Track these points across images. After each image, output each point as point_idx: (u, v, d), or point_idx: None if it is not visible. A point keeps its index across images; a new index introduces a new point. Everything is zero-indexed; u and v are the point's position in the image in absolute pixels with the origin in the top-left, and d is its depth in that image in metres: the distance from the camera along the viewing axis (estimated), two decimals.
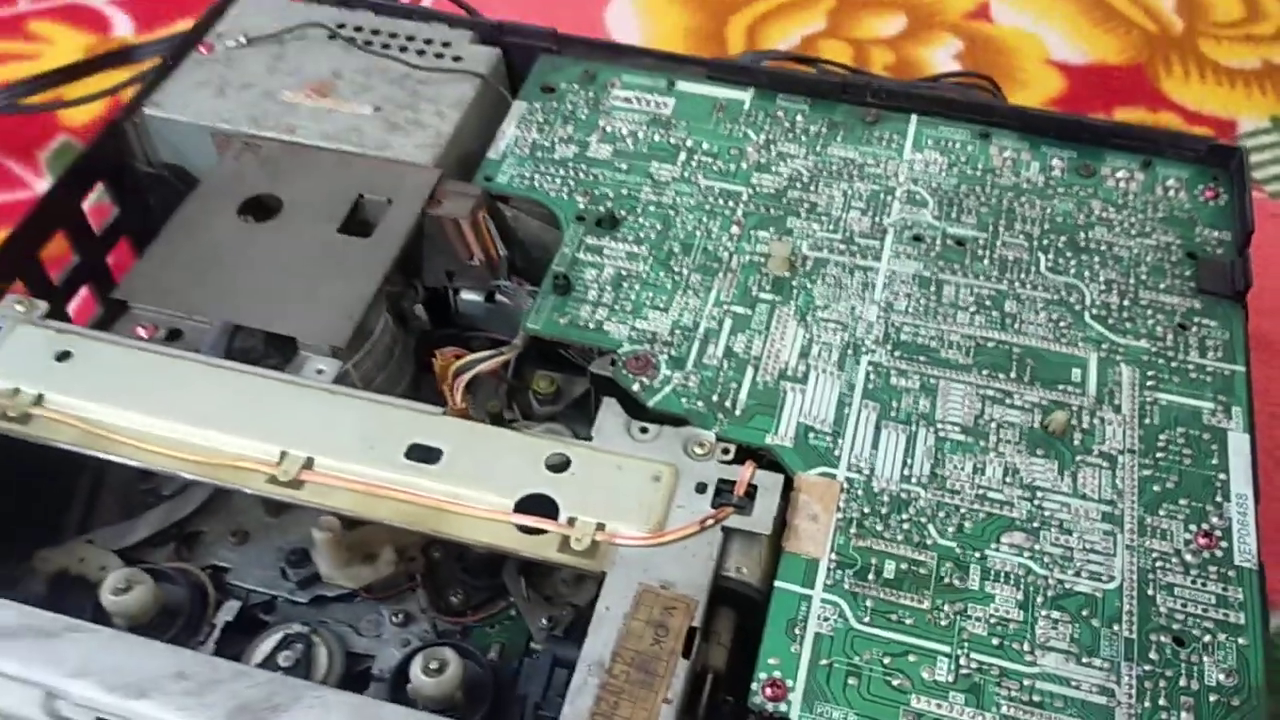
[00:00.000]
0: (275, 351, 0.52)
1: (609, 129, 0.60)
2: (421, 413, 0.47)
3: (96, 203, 0.60)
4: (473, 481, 0.44)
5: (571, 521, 0.43)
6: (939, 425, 0.48)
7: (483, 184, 0.57)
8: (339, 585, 0.49)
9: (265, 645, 0.48)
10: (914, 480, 0.46)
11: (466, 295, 0.58)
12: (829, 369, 0.50)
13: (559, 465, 0.45)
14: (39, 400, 0.46)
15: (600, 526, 0.43)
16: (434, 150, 0.58)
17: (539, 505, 0.44)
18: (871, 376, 0.49)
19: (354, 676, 0.47)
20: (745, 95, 0.62)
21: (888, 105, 0.61)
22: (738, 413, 0.48)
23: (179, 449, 0.45)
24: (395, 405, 0.47)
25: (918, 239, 0.55)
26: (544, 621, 0.49)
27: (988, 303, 0.52)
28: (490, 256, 0.57)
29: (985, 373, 0.50)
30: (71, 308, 0.59)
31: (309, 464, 0.45)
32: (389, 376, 0.54)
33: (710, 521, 0.44)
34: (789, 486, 0.46)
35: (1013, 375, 0.50)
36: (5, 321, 0.49)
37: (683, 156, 0.59)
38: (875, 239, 0.55)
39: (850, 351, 0.50)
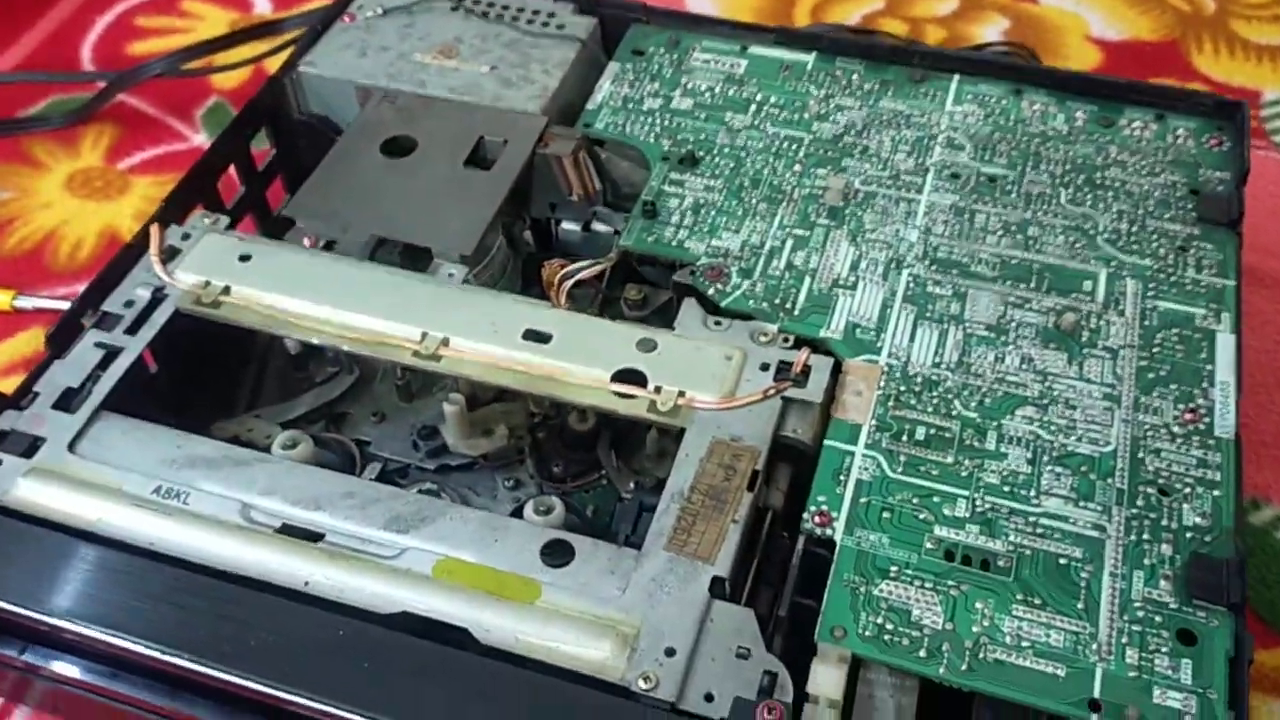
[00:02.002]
0: (409, 264, 0.61)
1: (690, 85, 0.69)
2: (535, 305, 0.56)
3: (257, 147, 0.70)
4: (577, 357, 0.53)
5: (658, 389, 0.52)
6: (967, 324, 0.56)
7: (582, 130, 0.66)
8: (462, 454, 0.59)
9: None
10: (944, 366, 0.54)
11: (566, 225, 0.67)
12: (875, 279, 0.58)
13: (648, 346, 0.54)
14: (226, 290, 0.56)
15: (681, 393, 0.52)
16: (541, 101, 0.67)
17: (631, 376, 0.53)
18: (911, 285, 0.57)
19: None
20: (808, 58, 0.71)
21: (933, 67, 0.69)
22: (796, 312, 0.56)
23: (341, 329, 0.55)
24: (513, 300, 0.56)
25: (955, 176, 0.63)
26: (630, 487, 0.57)
27: (1013, 228, 0.60)
28: (587, 190, 0.66)
29: (1009, 283, 0.57)
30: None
31: (445, 342, 0.54)
32: (502, 289, 0.64)
33: (772, 391, 0.52)
34: (838, 370, 0.54)
35: (1032, 285, 0.57)
36: (195, 231, 0.59)
37: (753, 108, 0.67)
38: (918, 176, 0.63)
39: (894, 266, 0.58)
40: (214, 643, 0.43)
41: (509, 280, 0.64)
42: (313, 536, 0.47)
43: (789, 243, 0.60)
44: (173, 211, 0.61)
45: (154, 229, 0.59)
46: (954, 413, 0.52)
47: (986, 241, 0.60)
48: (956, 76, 0.69)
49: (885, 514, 0.48)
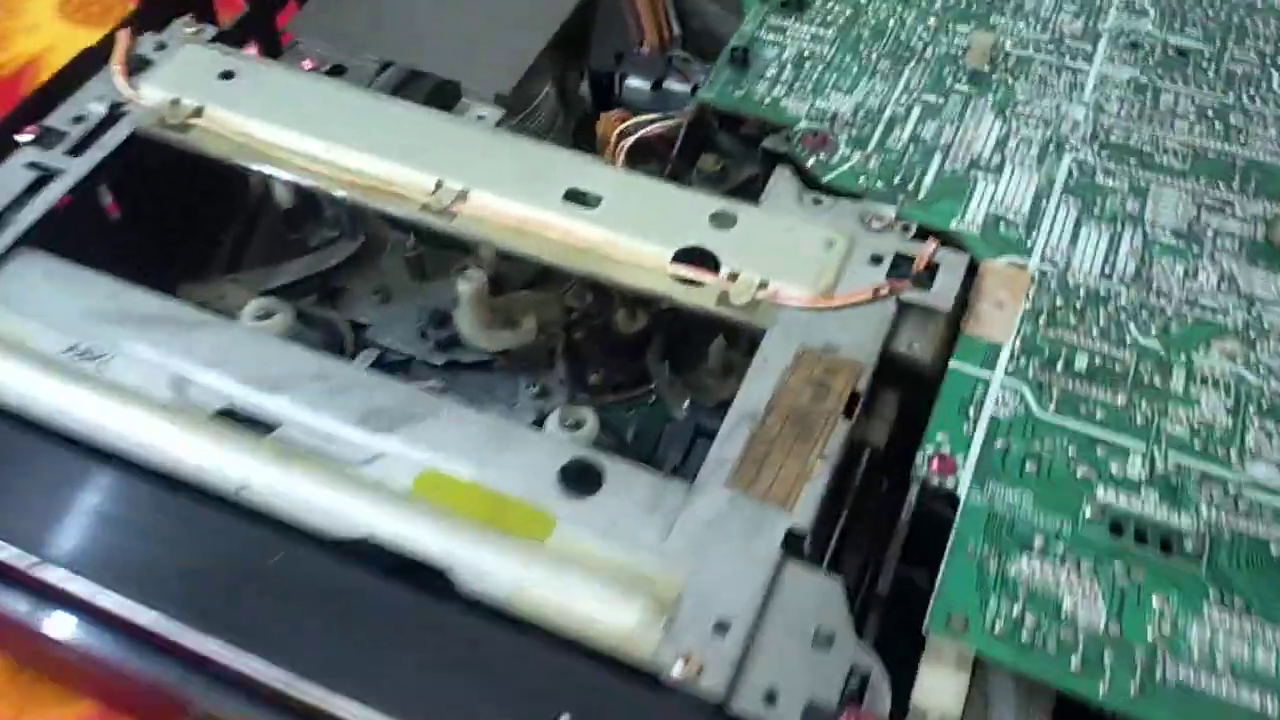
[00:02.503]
0: (441, 106, 0.49)
1: None
2: (584, 160, 0.43)
3: None
4: (631, 228, 0.41)
5: (733, 277, 0.39)
6: (1148, 226, 0.42)
7: None
8: (478, 349, 0.47)
9: None
10: (1115, 278, 0.40)
11: (633, 81, 0.54)
12: (1027, 162, 0.44)
13: (725, 220, 0.41)
14: (199, 112, 0.44)
15: (764, 284, 0.39)
16: None
17: (699, 257, 0.40)
18: (1074, 173, 0.44)
19: None
20: None
21: None
22: (921, 196, 0.43)
23: (333, 169, 0.43)
24: (556, 150, 0.43)
25: (1134, 46, 0.49)
26: (685, 406, 0.45)
27: (1210, 114, 0.46)
28: (662, 37, 0.52)
29: (1203, 181, 0.43)
30: None
31: (463, 196, 0.42)
32: None
33: (885, 291, 0.39)
34: (974, 272, 0.40)
35: (1235, 186, 0.43)
36: (173, 41, 0.47)
37: None
38: (1087, 42, 0.49)
39: (1052, 148, 0.45)
40: (105, 556, 0.31)
41: (556, 142, 0.51)
42: (262, 426, 0.35)
43: (916, 110, 0.46)
44: (153, 16, 0.49)
45: (122, 33, 0.47)
46: (1128, 339, 0.39)
47: (1175, 127, 0.45)
48: None
49: (1029, 465, 0.35)
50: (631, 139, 0.46)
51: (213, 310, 0.47)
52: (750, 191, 0.48)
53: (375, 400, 0.36)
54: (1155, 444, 0.36)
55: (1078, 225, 0.42)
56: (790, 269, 0.39)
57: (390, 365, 0.47)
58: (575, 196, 0.41)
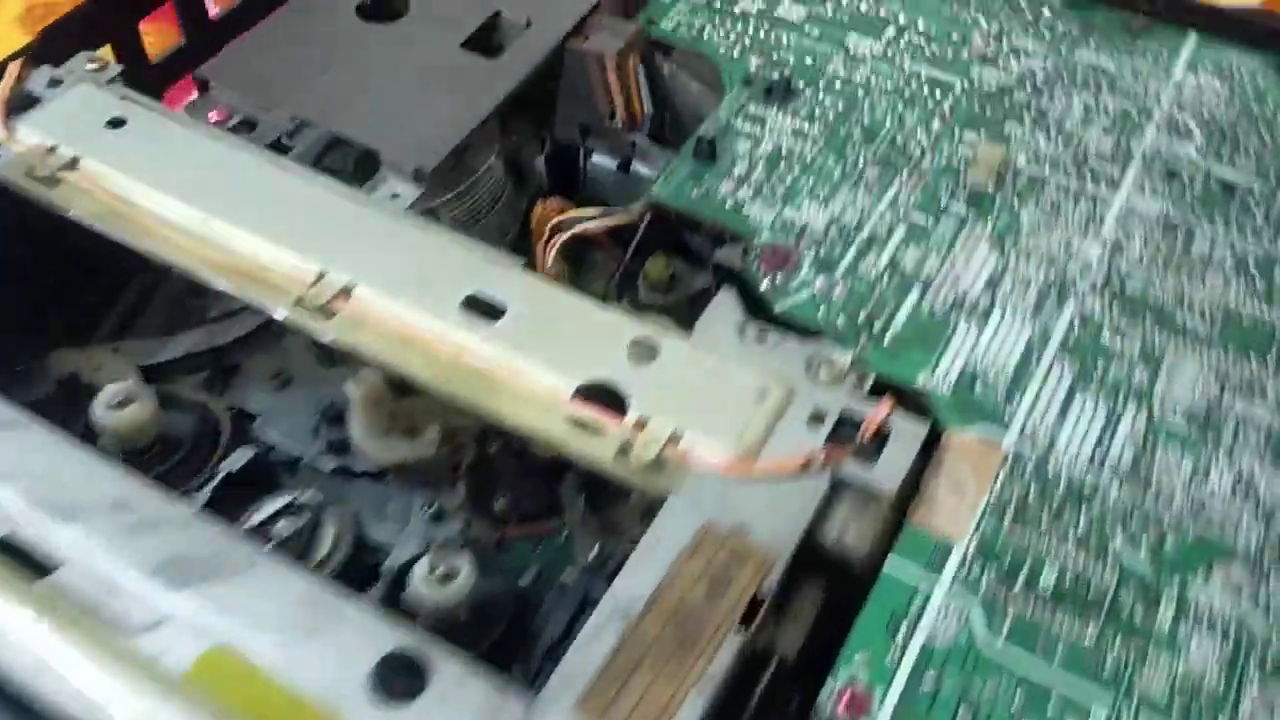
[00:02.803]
0: (368, 177, 0.43)
1: None
2: (495, 262, 0.37)
3: None
4: (532, 350, 0.34)
5: (641, 424, 0.33)
6: (1157, 405, 0.35)
7: (644, 25, 0.47)
8: (370, 457, 0.40)
9: (267, 507, 0.39)
10: (1108, 469, 0.33)
11: (599, 159, 0.47)
12: (1021, 308, 0.37)
13: (643, 353, 0.34)
14: (74, 164, 0.39)
15: (674, 439, 0.32)
16: None
17: (605, 396, 0.33)
18: (1076, 327, 0.36)
19: (359, 568, 0.38)
20: None
21: (1163, 15, 0.47)
22: (887, 339, 0.36)
23: (206, 245, 0.37)
24: (466, 246, 0.37)
25: (1171, 174, 0.41)
26: (595, 551, 0.38)
27: (1251, 268, 0.38)
28: (633, 112, 0.46)
29: (1232, 352, 0.36)
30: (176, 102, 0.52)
31: (346, 292, 0.36)
32: (484, 232, 0.45)
33: (819, 462, 0.32)
34: (934, 442, 0.34)
35: (1270, 363, 0.36)
36: (69, 77, 0.42)
37: (890, 32, 0.47)
38: (1115, 165, 0.42)
39: (1054, 293, 0.37)
40: None
41: (497, 223, 0.45)
42: (37, 567, 0.30)
43: (899, 231, 0.39)
44: (57, 46, 0.44)
45: (12, 65, 0.42)
46: (1111, 553, 0.31)
47: (1207, 280, 0.38)
48: (1193, 34, 0.47)
49: (963, 715, 0.28)
50: (566, 235, 0.40)
51: (84, 383, 0.42)
52: (702, 306, 0.42)
53: (177, 546, 0.30)
54: (1124, 700, 0.28)
55: (1070, 395, 0.35)
56: (710, 421, 0.33)
57: (273, 466, 0.42)
58: (476, 305, 0.35)
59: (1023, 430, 0.34)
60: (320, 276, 0.36)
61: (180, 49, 0.50)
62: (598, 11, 0.46)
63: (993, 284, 0.38)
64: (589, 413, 0.33)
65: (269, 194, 0.38)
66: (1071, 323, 0.37)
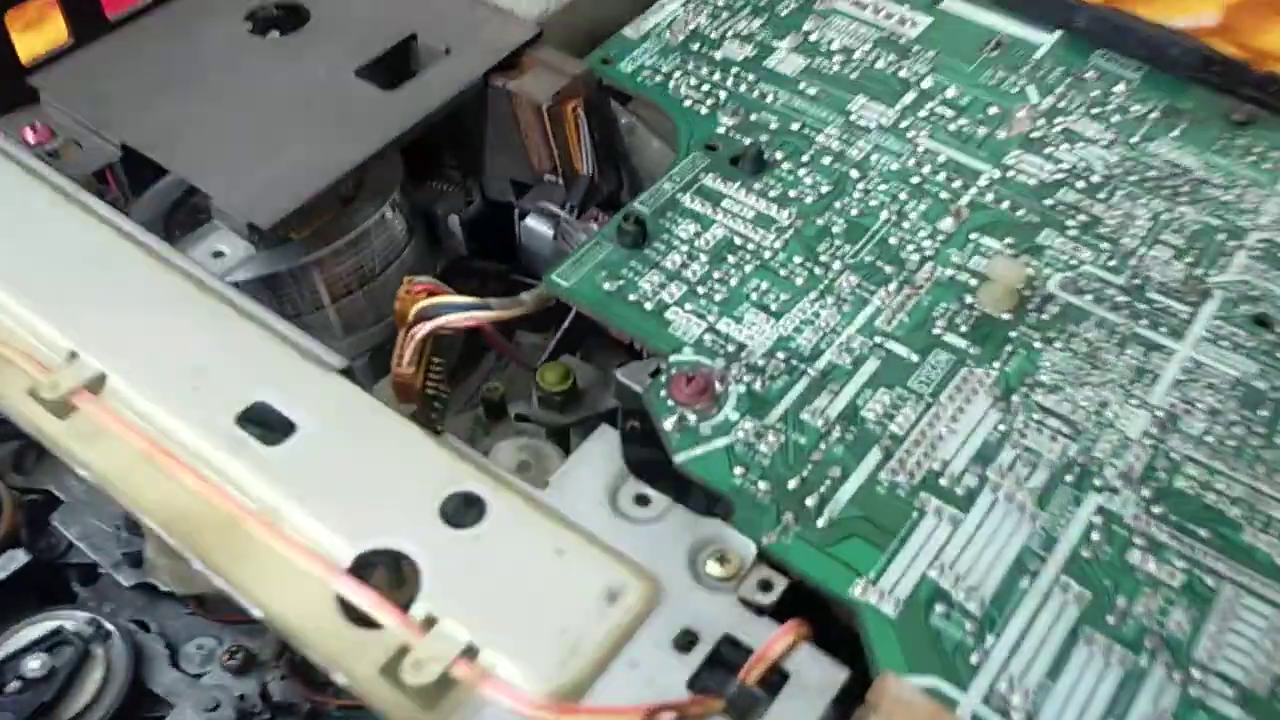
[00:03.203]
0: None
1: (815, 37, 0.39)
2: (306, 358, 0.27)
3: None
4: (312, 494, 0.25)
5: (428, 623, 0.23)
6: (1197, 673, 0.24)
7: (597, 66, 0.37)
8: (164, 580, 0.32)
9: (26, 633, 0.31)
10: None
11: (533, 223, 0.38)
12: (1020, 498, 0.26)
13: (461, 515, 0.25)
14: None
15: (470, 653, 0.22)
16: (549, 3, 0.39)
17: (390, 575, 0.24)
18: (1094, 537, 0.26)
19: None
20: (1045, 38, 0.39)
21: (1274, 104, 0.36)
22: (823, 522, 0.26)
23: None
24: (277, 337, 0.28)
25: (1261, 323, 0.30)
26: None
27: None
28: (572, 169, 0.37)
29: None
30: None
31: (97, 384, 0.27)
32: (373, 301, 0.36)
33: (668, 718, 0.22)
34: (856, 693, 0.23)
35: None
36: None
37: (909, 98, 0.36)
38: (1186, 303, 0.31)
39: (1071, 479, 0.27)
40: None
41: (384, 292, 0.36)
42: None
43: (871, 365, 0.29)
44: None
45: None
46: None
47: None
48: None
49: None
50: (429, 327, 0.30)
51: None
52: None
53: None
54: None
55: (1070, 642, 0.24)
56: (528, 632, 0.23)
57: (65, 571, 0.33)
58: (257, 421, 0.26)
59: (991, 691, 0.23)
60: (71, 357, 0.27)
61: (65, 50, 0.42)
62: (538, 44, 0.36)
63: (985, 457, 0.27)
64: (363, 599, 0.23)
65: (45, 240, 0.30)
66: (1088, 529, 0.26)
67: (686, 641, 0.23)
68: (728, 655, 0.23)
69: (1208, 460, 0.27)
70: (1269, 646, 0.24)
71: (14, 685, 0.30)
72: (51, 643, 0.31)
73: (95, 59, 0.36)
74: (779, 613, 0.24)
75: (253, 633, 0.32)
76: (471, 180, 0.39)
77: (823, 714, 0.22)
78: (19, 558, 0.32)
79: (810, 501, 0.26)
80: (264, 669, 0.32)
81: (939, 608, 0.24)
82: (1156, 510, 0.26)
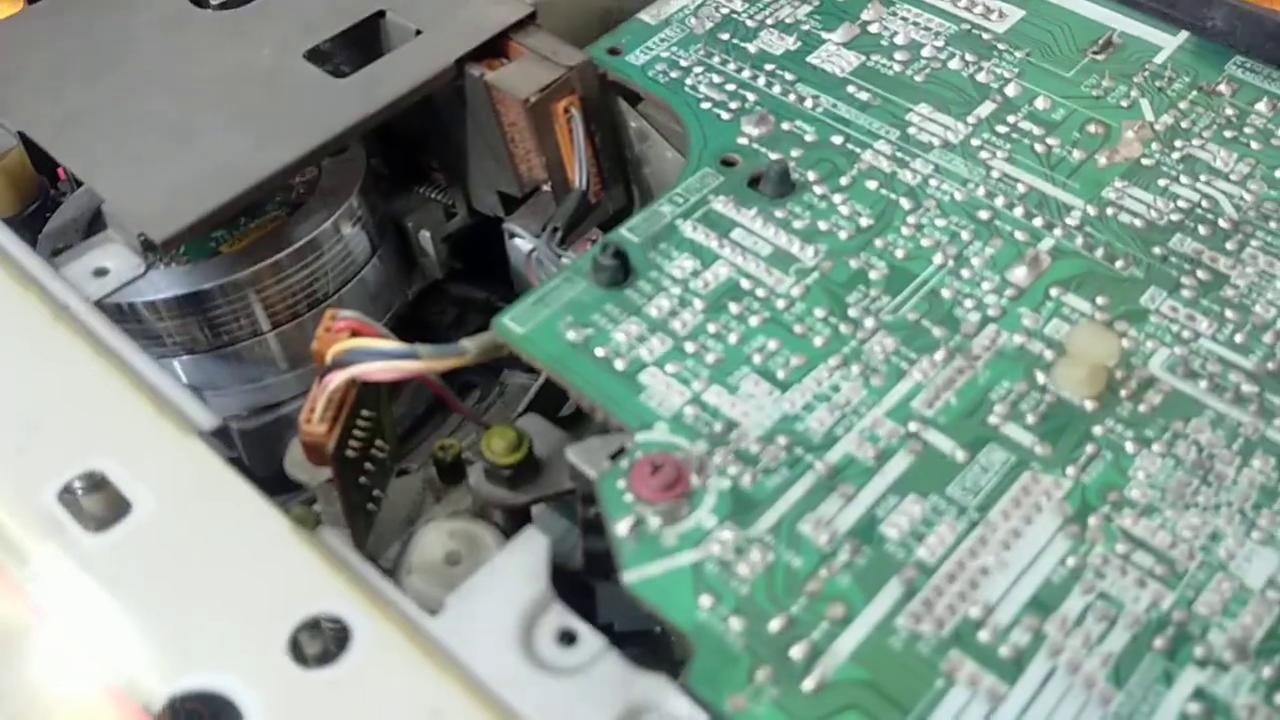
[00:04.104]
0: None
1: (875, 28, 0.32)
2: (166, 412, 0.22)
3: None
4: (129, 600, 0.19)
5: None
6: None
7: (602, 57, 0.31)
8: None
9: None
10: None
11: (520, 240, 0.32)
12: (1087, 667, 0.19)
13: (317, 645, 0.19)
14: None
15: None
16: None
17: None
18: None
19: None
20: (1169, 40, 0.31)
21: None
22: (809, 684, 0.19)
23: None
24: (140, 380, 0.22)
25: None
26: None
27: None
28: (565, 179, 0.31)
29: None
30: None
31: None
32: None
33: None
34: None
35: None
36: None
37: (986, 110, 0.29)
38: None
39: (1161, 642, 0.20)
40: None
41: (365, 313, 0.31)
42: None
43: (901, 462, 0.22)
44: None
45: None
46: None
47: None
48: None
49: None
50: (341, 377, 0.24)
51: None
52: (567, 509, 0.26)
53: None
54: None
55: None
56: None
57: None
58: (84, 494, 0.21)
59: None
60: None
61: None
62: (530, 26, 0.31)
63: (1045, 604, 0.20)
64: None
65: None
66: (1183, 719, 0.19)
67: None
68: None
69: None
70: None
71: None
72: None
73: (8, 31, 0.31)
74: None
75: None
76: (457, 190, 0.34)
77: None
78: None
79: (797, 653, 0.20)
80: None
81: None
82: None
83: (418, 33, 0.31)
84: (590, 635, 0.19)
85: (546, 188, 0.32)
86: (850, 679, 0.19)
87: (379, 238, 0.32)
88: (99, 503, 0.21)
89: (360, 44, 0.31)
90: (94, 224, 0.31)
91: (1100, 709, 0.19)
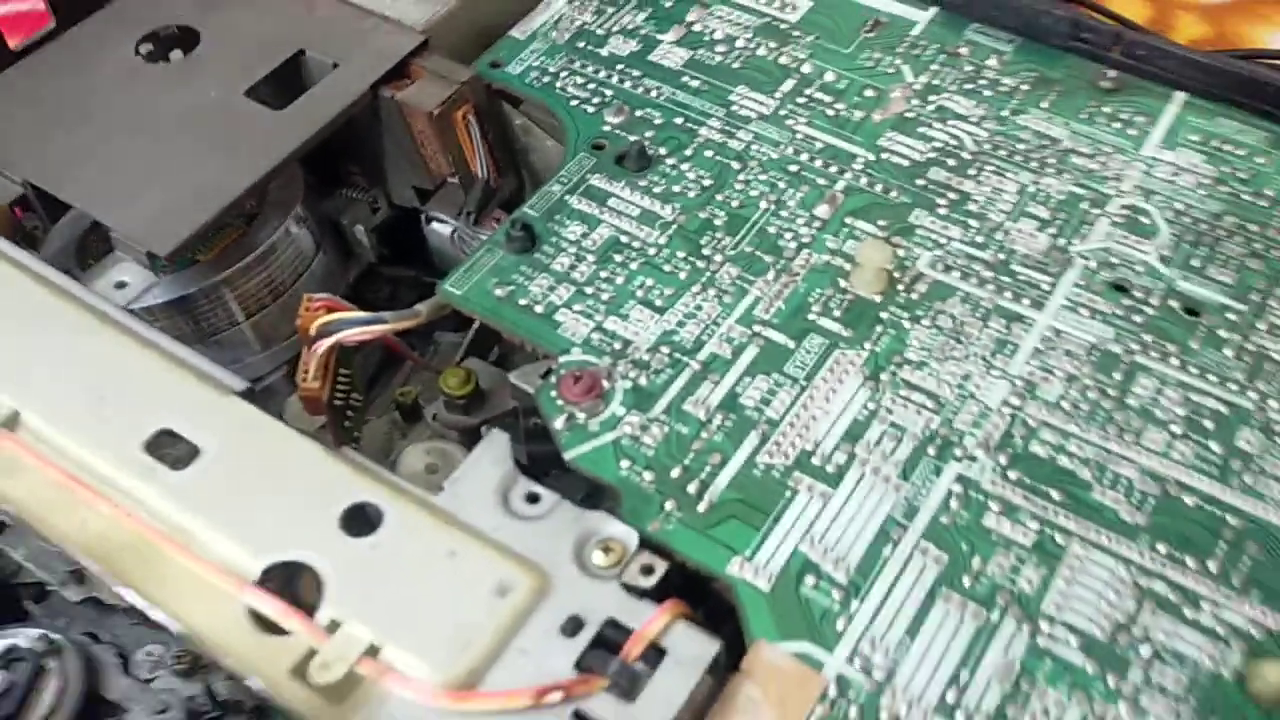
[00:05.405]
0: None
1: (698, 27, 0.41)
2: (207, 383, 0.30)
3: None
4: (219, 513, 0.28)
5: (332, 626, 0.26)
6: (1044, 624, 0.27)
7: (484, 70, 0.40)
8: (107, 594, 0.34)
9: None
10: (962, 712, 0.26)
11: (438, 227, 0.41)
12: (885, 471, 0.30)
13: (360, 523, 0.28)
14: None
15: (373, 651, 0.26)
16: (435, 8, 0.41)
17: (295, 585, 0.27)
18: (954, 503, 0.29)
19: None
20: (922, 15, 0.42)
21: (1142, 69, 0.39)
22: (703, 506, 0.29)
23: None
24: (177, 364, 0.31)
25: (1119, 288, 0.34)
26: None
27: (1208, 424, 0.31)
28: (470, 173, 0.39)
29: (1164, 549, 0.28)
30: None
31: (12, 420, 0.29)
32: (287, 312, 0.39)
33: (556, 696, 0.25)
34: (729, 661, 0.26)
35: (1214, 566, 0.28)
36: None
37: (788, 85, 0.39)
38: (1047, 273, 0.34)
39: (932, 450, 0.30)
40: None
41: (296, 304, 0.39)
42: None
43: (749, 353, 0.32)
44: None
45: None
46: None
47: (1144, 440, 0.30)
48: (1180, 96, 0.39)
49: None
50: (328, 342, 0.33)
51: None
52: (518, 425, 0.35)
53: None
54: None
55: (928, 602, 0.27)
56: (425, 629, 0.26)
57: (18, 588, 0.36)
58: (164, 446, 0.29)
59: (855, 652, 0.27)
60: None
61: None
62: (425, 51, 0.39)
63: (854, 435, 0.30)
64: (269, 608, 0.26)
65: None
66: (948, 496, 0.29)
67: (573, 627, 0.26)
68: (611, 637, 0.26)
69: (1062, 424, 0.31)
70: (1111, 596, 0.27)
71: None
72: (7, 660, 0.34)
73: None
74: (663, 593, 0.27)
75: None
76: (377, 189, 0.42)
77: (697, 683, 0.26)
78: None
79: (691, 488, 0.29)
80: (210, 671, 0.35)
81: (809, 579, 0.28)
82: (1012, 475, 0.30)
83: (334, 65, 0.39)
84: (548, 494, 0.29)
85: (452, 180, 0.41)
86: (729, 499, 0.29)
87: (320, 235, 0.41)
88: (176, 450, 0.29)
89: (286, 79, 0.39)
90: (82, 249, 0.38)
91: (895, 494, 0.29)
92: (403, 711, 0.25)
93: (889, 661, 0.26)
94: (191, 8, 0.41)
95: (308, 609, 0.26)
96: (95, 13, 0.41)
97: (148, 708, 0.33)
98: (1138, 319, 0.33)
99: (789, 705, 0.26)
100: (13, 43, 0.43)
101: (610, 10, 0.42)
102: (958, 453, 0.30)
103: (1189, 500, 0.29)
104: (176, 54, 0.40)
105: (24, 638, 0.34)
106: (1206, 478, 0.29)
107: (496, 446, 0.30)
